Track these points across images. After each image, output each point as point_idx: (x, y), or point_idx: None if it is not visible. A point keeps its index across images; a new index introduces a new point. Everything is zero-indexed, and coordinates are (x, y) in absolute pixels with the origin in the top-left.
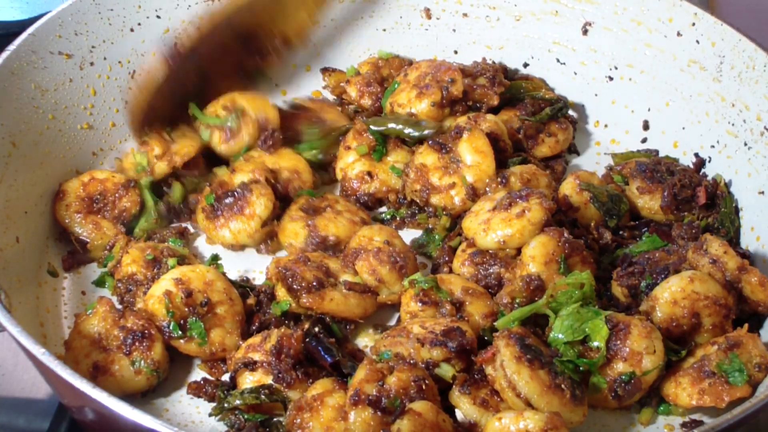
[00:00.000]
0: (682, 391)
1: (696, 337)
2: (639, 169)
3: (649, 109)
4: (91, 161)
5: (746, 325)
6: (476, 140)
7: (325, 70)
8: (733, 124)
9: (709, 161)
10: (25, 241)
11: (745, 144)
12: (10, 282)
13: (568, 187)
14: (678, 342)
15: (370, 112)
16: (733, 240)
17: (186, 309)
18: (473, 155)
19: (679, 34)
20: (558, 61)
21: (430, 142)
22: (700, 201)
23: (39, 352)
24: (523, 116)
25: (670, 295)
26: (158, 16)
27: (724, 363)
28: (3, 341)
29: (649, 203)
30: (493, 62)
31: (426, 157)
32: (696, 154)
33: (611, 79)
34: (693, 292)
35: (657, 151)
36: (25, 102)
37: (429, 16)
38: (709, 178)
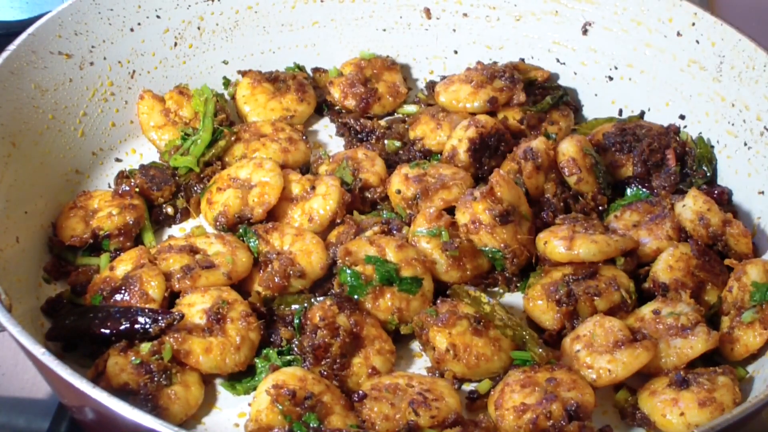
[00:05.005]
0: (753, 338)
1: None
2: (607, 143)
3: (649, 109)
4: (91, 161)
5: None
6: None
7: (316, 70)
8: (733, 124)
9: None
10: (25, 241)
11: (745, 144)
12: (10, 282)
13: (573, 150)
14: None
15: (355, 113)
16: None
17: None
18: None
19: (679, 34)
20: (558, 61)
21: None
22: (670, 164)
23: (39, 352)
24: (526, 107)
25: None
26: (158, 16)
27: (755, 294)
28: (3, 341)
29: (623, 172)
30: (512, 63)
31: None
32: (680, 121)
33: (611, 79)
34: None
35: (620, 111)
36: (24, 102)
37: (429, 16)
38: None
